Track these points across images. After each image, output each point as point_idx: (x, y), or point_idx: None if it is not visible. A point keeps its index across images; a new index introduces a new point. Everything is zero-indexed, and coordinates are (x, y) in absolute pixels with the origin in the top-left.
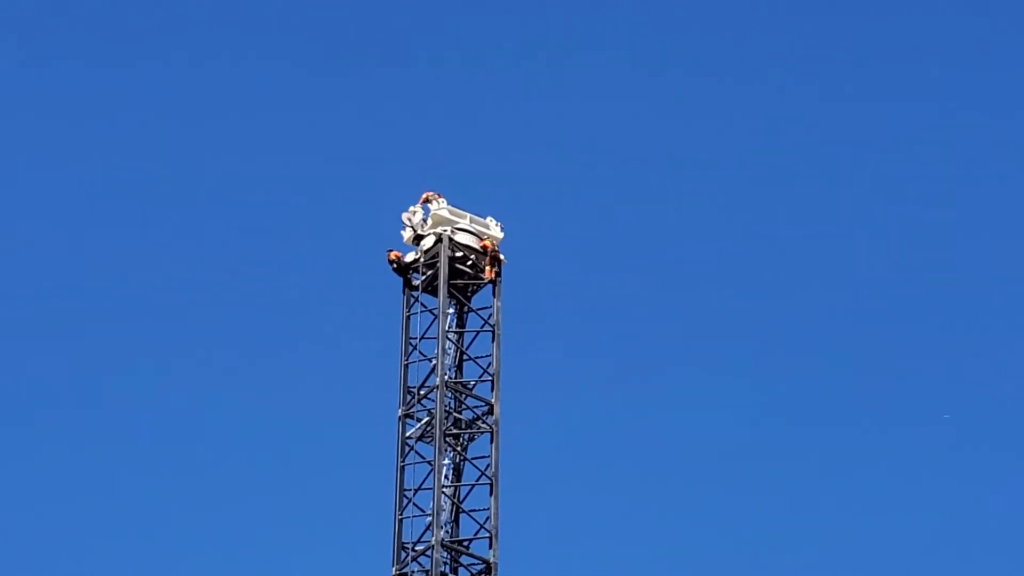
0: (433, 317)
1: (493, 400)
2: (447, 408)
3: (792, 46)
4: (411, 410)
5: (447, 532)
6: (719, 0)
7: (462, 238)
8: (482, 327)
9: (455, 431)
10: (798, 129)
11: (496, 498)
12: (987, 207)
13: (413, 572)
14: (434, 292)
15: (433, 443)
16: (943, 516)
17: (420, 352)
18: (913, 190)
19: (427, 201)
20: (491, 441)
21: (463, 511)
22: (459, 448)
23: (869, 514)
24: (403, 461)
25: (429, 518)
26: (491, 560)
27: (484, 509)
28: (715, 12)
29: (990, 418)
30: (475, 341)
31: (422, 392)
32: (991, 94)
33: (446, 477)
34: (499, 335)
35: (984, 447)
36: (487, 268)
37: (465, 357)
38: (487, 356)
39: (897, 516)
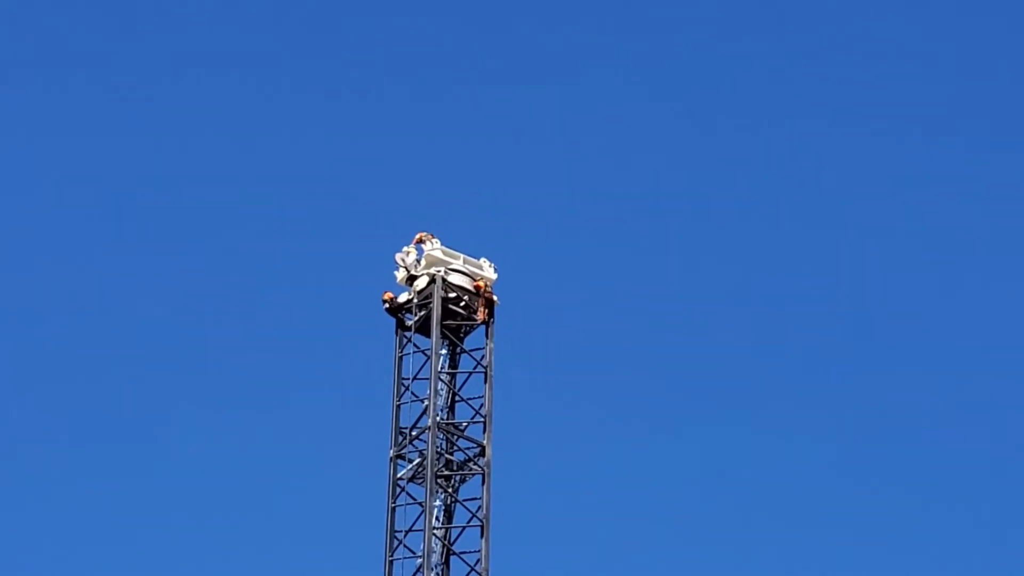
0: (426, 358)
1: (485, 442)
2: (439, 449)
3: (797, 90)
4: (402, 451)
5: (437, 574)
6: (710, 40)
7: (455, 279)
8: (475, 368)
9: (446, 472)
10: (798, 170)
11: (487, 540)
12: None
13: None
14: (427, 333)
15: (424, 484)
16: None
17: (412, 393)
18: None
19: (420, 242)
20: (483, 483)
21: (454, 553)
22: (450, 490)
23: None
24: (394, 502)
25: (420, 560)
26: None
27: (475, 551)
28: (709, 51)
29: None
30: (467, 382)
31: (414, 433)
32: (993, 95)
33: (437, 519)
34: (492, 376)
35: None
36: (480, 309)
37: (457, 398)
38: (479, 397)
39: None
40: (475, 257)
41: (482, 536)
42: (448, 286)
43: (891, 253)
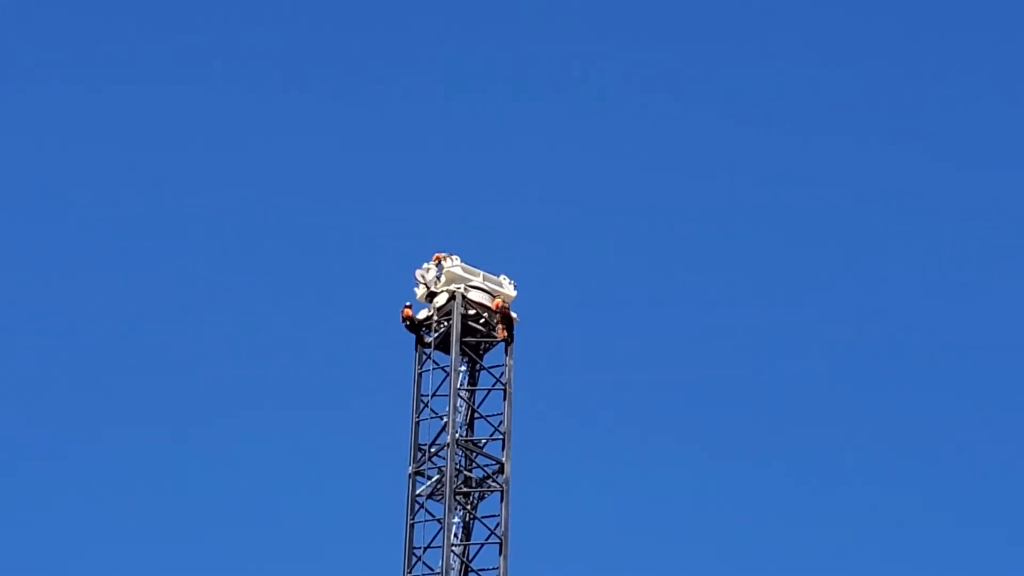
0: (445, 374)
1: (504, 459)
2: (457, 466)
3: (811, 97)
4: (421, 468)
5: None
6: (735, 55)
7: (475, 296)
8: (494, 385)
9: (465, 489)
10: (820, 184)
11: (506, 558)
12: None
13: None
14: (446, 349)
15: (443, 501)
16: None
17: (431, 409)
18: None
19: (439, 261)
20: (501, 500)
21: (472, 570)
22: (469, 506)
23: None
24: (412, 519)
25: None
26: None
27: (493, 568)
28: (729, 64)
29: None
30: (487, 399)
31: (433, 450)
32: (992, 100)
33: (455, 536)
34: (511, 393)
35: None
36: (499, 327)
37: (476, 415)
38: (498, 414)
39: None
40: (495, 274)
41: (500, 553)
42: (468, 303)
43: (900, 261)
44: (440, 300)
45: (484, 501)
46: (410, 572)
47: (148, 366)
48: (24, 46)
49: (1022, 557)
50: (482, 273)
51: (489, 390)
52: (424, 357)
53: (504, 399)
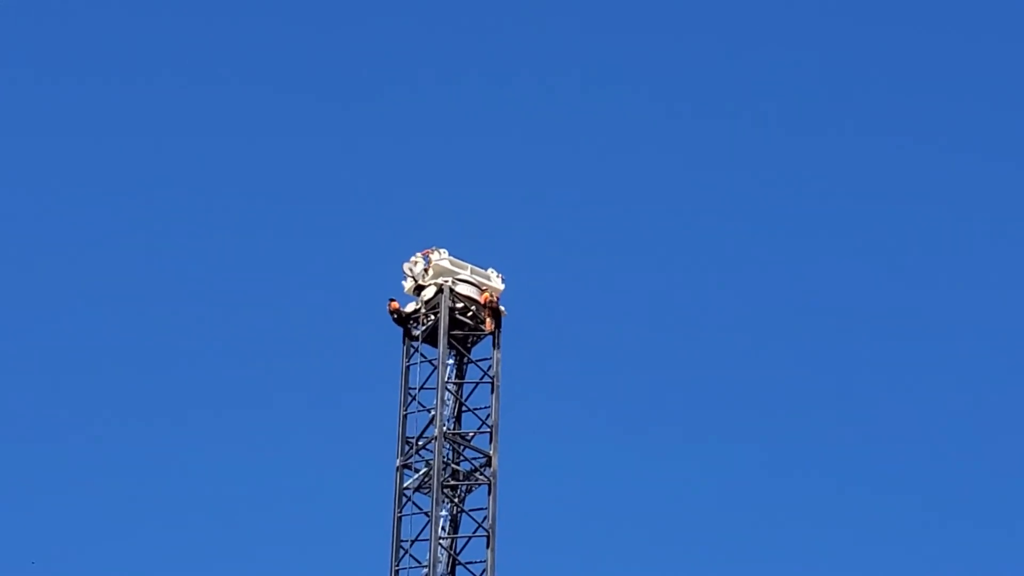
0: (433, 368)
1: (491, 452)
2: (445, 459)
3: (808, 96)
4: (409, 460)
5: None
6: (722, 48)
7: (463, 289)
8: (481, 378)
9: (453, 482)
10: (804, 180)
11: (493, 551)
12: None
13: None
14: (434, 342)
15: (431, 494)
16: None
17: (419, 403)
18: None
19: (427, 256)
20: (489, 493)
21: (460, 563)
22: (456, 500)
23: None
24: (400, 512)
25: (425, 570)
26: None
27: (481, 561)
28: (716, 57)
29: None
30: (474, 392)
31: (420, 443)
32: (992, 100)
33: (443, 528)
34: (498, 387)
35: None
36: (487, 320)
37: (464, 408)
38: (486, 408)
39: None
40: (483, 267)
41: (488, 546)
42: (455, 296)
43: (893, 257)
44: (428, 293)
45: (471, 494)
46: (398, 565)
47: (134, 361)
48: (23, 44)
49: (1022, 557)
50: (470, 266)
51: (477, 383)
52: (412, 350)
53: (492, 392)
